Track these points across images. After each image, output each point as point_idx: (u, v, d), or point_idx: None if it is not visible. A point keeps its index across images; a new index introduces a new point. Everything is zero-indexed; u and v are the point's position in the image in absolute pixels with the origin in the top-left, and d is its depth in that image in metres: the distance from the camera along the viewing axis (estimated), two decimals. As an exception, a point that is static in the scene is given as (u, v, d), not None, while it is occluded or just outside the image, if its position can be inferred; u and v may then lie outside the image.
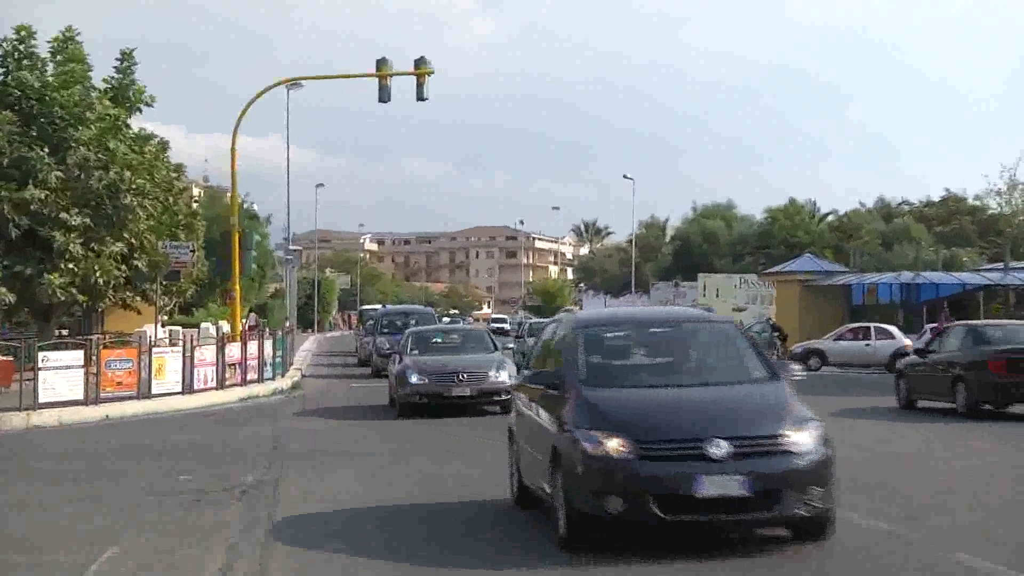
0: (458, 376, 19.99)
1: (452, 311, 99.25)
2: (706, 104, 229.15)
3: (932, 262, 51.00)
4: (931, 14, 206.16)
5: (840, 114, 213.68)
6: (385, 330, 33.95)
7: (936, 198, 70.76)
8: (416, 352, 21.73)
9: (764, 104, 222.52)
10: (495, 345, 22.54)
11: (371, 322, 38.22)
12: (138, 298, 31.14)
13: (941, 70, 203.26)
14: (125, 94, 29.63)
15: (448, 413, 19.85)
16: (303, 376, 31.14)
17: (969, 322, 24.54)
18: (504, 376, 19.48)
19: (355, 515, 10.66)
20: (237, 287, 31.52)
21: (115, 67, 29.99)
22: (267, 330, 34.93)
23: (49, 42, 28.40)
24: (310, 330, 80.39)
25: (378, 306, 51.31)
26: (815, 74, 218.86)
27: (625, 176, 76.99)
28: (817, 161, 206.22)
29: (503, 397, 18.55)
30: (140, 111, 30.24)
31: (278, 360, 30.09)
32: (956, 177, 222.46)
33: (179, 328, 36.02)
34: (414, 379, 20.13)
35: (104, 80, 29.56)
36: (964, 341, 20.55)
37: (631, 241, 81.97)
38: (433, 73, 28.83)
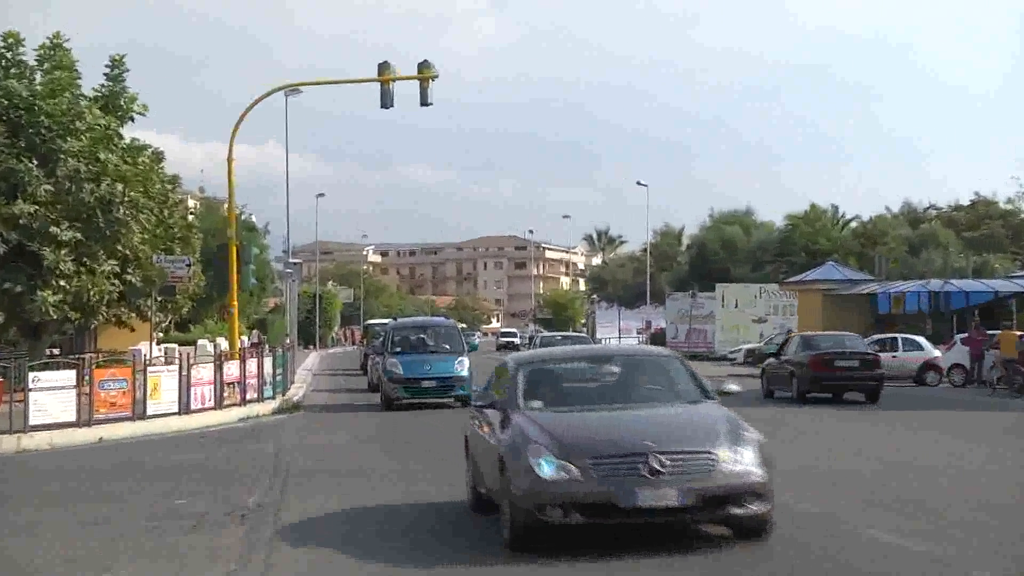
0: (648, 462, 9.16)
1: (460, 325, 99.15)
2: (722, 106, 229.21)
3: (962, 269, 50.94)
4: (957, 14, 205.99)
5: (865, 115, 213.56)
6: (396, 349, 28.62)
7: (965, 202, 70.73)
8: (539, 403, 10.70)
9: (784, 105, 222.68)
10: (700, 384, 11.19)
11: (379, 339, 33.24)
12: (132, 315, 31.21)
13: (970, 71, 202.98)
14: (116, 102, 29.68)
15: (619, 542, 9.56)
16: (296, 403, 30.72)
17: (805, 332, 32.99)
18: (748, 457, 9.49)
19: (361, 541, 10.65)
20: (235, 303, 31.54)
21: (105, 74, 30.06)
22: (266, 347, 34.95)
23: (36, 49, 28.50)
24: (311, 346, 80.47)
25: (387, 320, 49.02)
26: (837, 73, 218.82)
27: (639, 183, 76.62)
28: (840, 164, 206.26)
29: (751, 509, 9.39)
30: (132, 120, 30.30)
31: (278, 379, 30.09)
32: (986, 180, 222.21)
33: (175, 346, 36.05)
34: (549, 471, 9.32)
35: (94, 89, 29.63)
36: (798, 346, 28.78)
37: (645, 250, 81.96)
38: (437, 77, 28.81)
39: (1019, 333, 31.80)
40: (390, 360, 27.98)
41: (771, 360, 30.47)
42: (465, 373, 26.89)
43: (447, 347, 28.65)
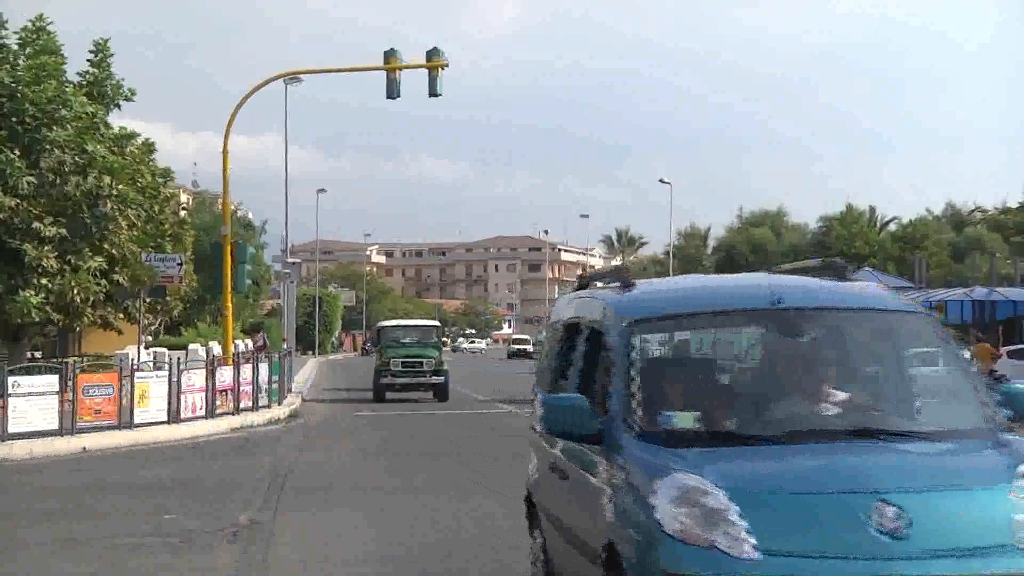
0: None
1: (469, 331, 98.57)
2: (755, 98, 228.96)
3: (1009, 276, 50.66)
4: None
5: (908, 109, 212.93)
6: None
7: (1014, 203, 70.37)
8: None
9: (821, 98, 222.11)
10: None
11: (542, 344, 10.48)
12: (119, 316, 31.21)
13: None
14: (101, 89, 29.70)
15: None
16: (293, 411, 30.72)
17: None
18: None
19: (362, 561, 10.63)
20: (229, 304, 31.54)
21: (89, 60, 30.10)
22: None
23: (16, 32, 28.50)
24: (310, 352, 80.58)
25: (401, 322, 42.30)
26: (879, 62, 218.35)
27: (662, 180, 76.36)
28: (880, 160, 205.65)
29: None
30: (119, 107, 30.33)
31: (274, 386, 30.11)
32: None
33: (165, 350, 36.12)
34: None
35: (78, 75, 29.67)
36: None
37: (669, 252, 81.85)
38: (447, 65, 28.86)
39: (995, 349, 31.78)
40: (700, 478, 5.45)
41: None
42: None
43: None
